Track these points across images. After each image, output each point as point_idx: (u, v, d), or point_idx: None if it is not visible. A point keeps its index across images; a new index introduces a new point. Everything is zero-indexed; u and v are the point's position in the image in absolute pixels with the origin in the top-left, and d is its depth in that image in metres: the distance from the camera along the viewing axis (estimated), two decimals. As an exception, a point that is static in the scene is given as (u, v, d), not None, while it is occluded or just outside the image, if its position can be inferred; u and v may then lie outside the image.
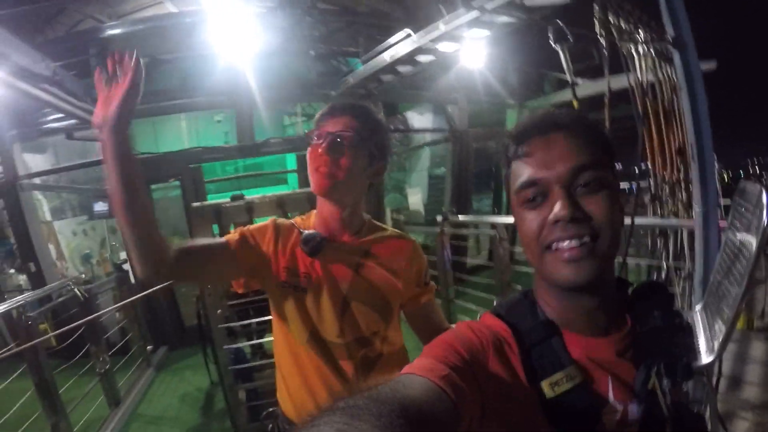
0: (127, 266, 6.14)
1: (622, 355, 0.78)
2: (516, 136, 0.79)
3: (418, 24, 4.67)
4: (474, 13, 3.75)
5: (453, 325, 0.88)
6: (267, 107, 6.16)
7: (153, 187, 6.67)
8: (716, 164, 2.81)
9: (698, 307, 2.30)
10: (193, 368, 5.51)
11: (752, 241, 2.04)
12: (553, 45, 2.80)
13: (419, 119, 9.77)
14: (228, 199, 4.96)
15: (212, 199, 5.21)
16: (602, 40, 2.98)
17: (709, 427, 0.82)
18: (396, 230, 1.58)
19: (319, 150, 1.34)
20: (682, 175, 3.27)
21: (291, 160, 7.89)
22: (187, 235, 6.70)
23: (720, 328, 2.03)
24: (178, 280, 1.38)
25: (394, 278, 1.47)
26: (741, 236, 2.23)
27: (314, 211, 1.51)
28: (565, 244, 0.71)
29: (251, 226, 1.48)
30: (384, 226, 1.59)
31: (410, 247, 1.53)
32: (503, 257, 4.58)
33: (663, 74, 3.03)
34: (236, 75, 5.30)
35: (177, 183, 6.68)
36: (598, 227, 0.71)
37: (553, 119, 0.77)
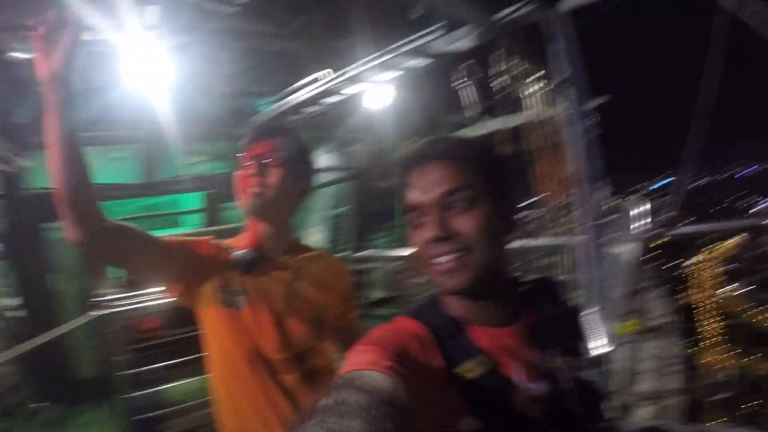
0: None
1: (523, 342, 0.90)
2: (401, 166, 0.93)
3: (324, 66, 4.89)
4: (385, 57, 4.06)
5: None
6: (173, 145, 5.96)
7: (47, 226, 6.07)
8: (609, 188, 3.32)
9: (592, 310, 2.75)
10: (90, 426, 4.99)
11: (629, 251, 2.52)
12: (462, 82, 3.16)
13: (323, 158, 9.91)
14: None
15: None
16: (499, 81, 3.43)
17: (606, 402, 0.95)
18: (323, 250, 1.73)
19: (248, 171, 1.44)
20: (565, 201, 3.82)
21: (188, 201, 7.59)
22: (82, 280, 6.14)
23: (612, 325, 2.46)
24: (111, 255, 1.33)
25: (324, 295, 1.56)
26: (619, 249, 2.73)
27: (244, 233, 1.58)
28: (439, 259, 0.85)
29: (187, 237, 1.52)
30: (311, 246, 1.71)
31: (339, 265, 1.69)
32: (409, 287, 4.81)
33: (552, 113, 3.53)
34: (142, 109, 5.10)
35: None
36: (467, 242, 0.84)
37: (429, 150, 0.90)
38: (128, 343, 3.58)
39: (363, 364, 0.72)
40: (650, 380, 3.57)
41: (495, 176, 0.89)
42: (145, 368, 3.50)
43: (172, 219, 8.12)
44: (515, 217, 0.94)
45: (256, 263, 1.47)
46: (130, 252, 1.33)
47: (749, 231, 2.88)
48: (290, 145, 1.50)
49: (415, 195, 0.88)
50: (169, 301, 3.22)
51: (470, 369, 0.82)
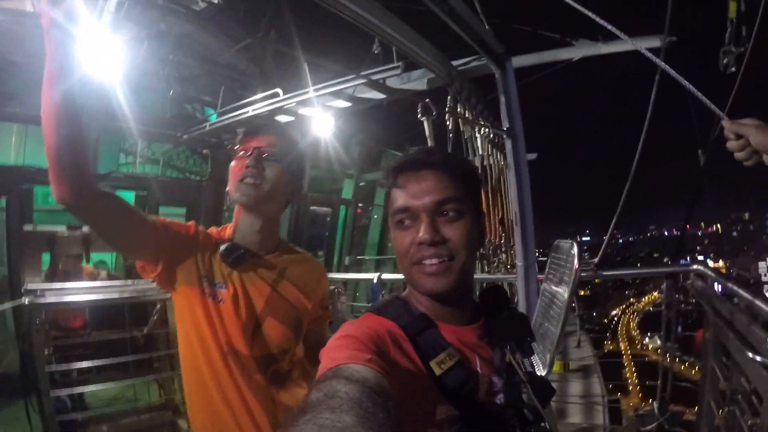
0: None
1: (481, 339, 0.97)
2: (395, 169, 0.96)
3: (270, 86, 4.90)
4: (340, 85, 4.14)
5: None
6: (112, 137, 5.72)
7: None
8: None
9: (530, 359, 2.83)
10: (7, 423, 4.53)
11: (563, 290, 2.63)
12: (420, 117, 3.30)
13: None
14: (64, 228, 4.47)
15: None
16: (449, 124, 3.59)
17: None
18: (307, 253, 1.66)
19: (246, 162, 1.40)
20: (503, 240, 3.98)
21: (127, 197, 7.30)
22: (4, 266, 5.69)
23: (545, 356, 2.54)
24: (96, 220, 1.27)
25: (305, 298, 1.52)
26: (554, 287, 2.84)
27: (229, 225, 1.54)
28: (427, 261, 0.90)
29: (171, 221, 1.43)
30: (297, 248, 1.65)
31: (320, 270, 1.64)
32: (342, 310, 4.82)
33: (494, 159, 3.74)
34: (88, 96, 4.87)
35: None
36: (454, 249, 0.90)
37: (425, 159, 0.95)
38: (52, 339, 3.33)
39: (344, 359, 0.73)
40: (578, 415, 3.71)
41: (476, 193, 0.98)
42: (67, 367, 3.25)
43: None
44: (482, 232, 1.01)
45: (245, 258, 1.43)
46: (114, 220, 1.27)
47: (666, 278, 3.10)
48: (290, 143, 1.49)
49: (407, 198, 0.92)
50: (94, 299, 3.08)
51: (443, 360, 0.86)
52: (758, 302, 1.89)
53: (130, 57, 4.41)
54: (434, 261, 0.89)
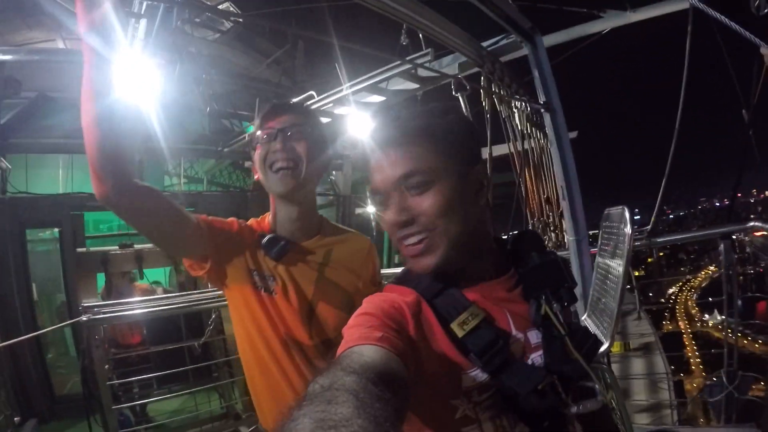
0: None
1: (512, 292, 0.90)
2: (365, 152, 0.91)
3: (300, 94, 4.99)
4: (372, 80, 4.19)
5: None
6: (155, 160, 5.95)
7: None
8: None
9: (584, 317, 2.79)
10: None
11: (617, 261, 2.57)
12: (455, 93, 3.31)
13: None
14: (116, 247, 4.68)
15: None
16: (485, 104, 3.58)
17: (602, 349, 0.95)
18: (351, 229, 1.61)
19: (276, 146, 1.33)
20: (551, 219, 3.93)
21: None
22: (62, 293, 6.03)
23: (605, 331, 2.50)
24: (138, 215, 1.22)
25: (355, 278, 1.48)
26: (608, 260, 2.79)
27: (268, 214, 1.49)
28: (406, 242, 0.85)
29: (214, 218, 1.40)
30: (339, 225, 1.60)
31: (367, 246, 1.56)
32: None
33: (534, 137, 3.71)
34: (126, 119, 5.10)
35: (45, 236, 6.08)
36: (428, 222, 0.82)
37: (387, 135, 0.87)
38: (111, 356, 3.48)
39: (355, 340, 0.72)
40: (643, 392, 3.63)
41: (452, 148, 0.86)
42: (127, 381, 3.40)
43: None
44: (483, 180, 0.90)
45: (287, 250, 1.38)
46: (157, 218, 1.24)
47: (722, 239, 2.97)
48: (308, 116, 1.43)
49: (376, 179, 0.87)
50: (150, 311, 3.20)
51: (465, 321, 0.81)
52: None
53: (165, 80, 4.57)
54: (412, 241, 0.84)
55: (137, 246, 4.70)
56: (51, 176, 7.45)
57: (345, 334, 0.77)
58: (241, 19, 7.74)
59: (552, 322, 0.86)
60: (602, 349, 2.61)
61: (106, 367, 3.13)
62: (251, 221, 1.49)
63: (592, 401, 0.85)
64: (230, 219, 1.45)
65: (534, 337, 0.87)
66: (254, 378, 1.43)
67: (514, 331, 0.85)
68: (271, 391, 1.39)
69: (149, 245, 4.86)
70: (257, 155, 1.37)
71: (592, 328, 2.61)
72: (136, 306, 3.20)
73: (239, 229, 1.42)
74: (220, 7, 7.32)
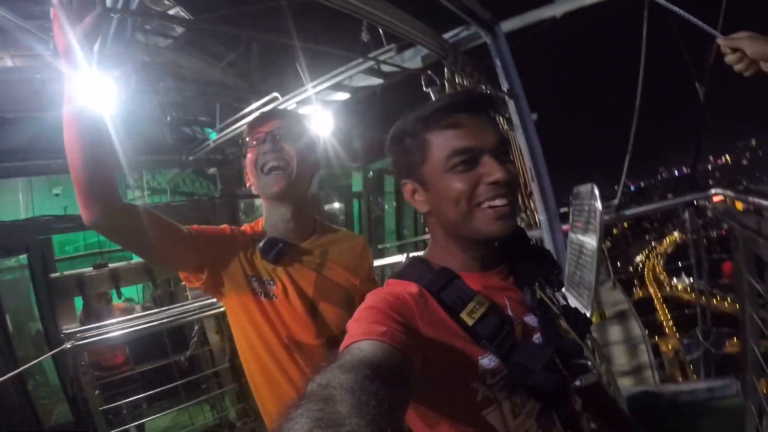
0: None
1: (508, 281, 0.96)
2: (442, 109, 0.88)
3: (262, 95, 4.96)
4: (336, 78, 4.19)
5: None
6: (117, 175, 5.81)
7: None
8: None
9: (563, 291, 2.89)
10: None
11: (590, 236, 2.67)
12: (425, 89, 3.35)
13: None
14: (90, 268, 4.57)
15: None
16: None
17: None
18: (344, 229, 1.64)
19: (266, 148, 1.35)
20: (520, 201, 4.03)
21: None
22: (36, 321, 5.84)
23: (584, 303, 2.60)
24: (128, 236, 1.22)
25: (352, 276, 1.50)
26: (581, 236, 2.89)
27: (261, 219, 1.49)
28: (498, 202, 0.85)
29: (205, 227, 1.39)
30: (332, 225, 1.62)
31: (361, 244, 1.59)
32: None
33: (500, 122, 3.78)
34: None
35: (12, 264, 5.88)
36: (515, 189, 0.88)
37: (483, 100, 0.91)
38: (97, 379, 3.42)
39: (358, 335, 0.73)
40: (623, 357, 3.78)
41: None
42: (119, 404, 3.34)
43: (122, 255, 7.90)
44: None
45: (284, 252, 1.39)
46: (147, 236, 1.22)
47: (687, 206, 3.13)
48: (295, 120, 1.46)
49: (467, 139, 0.86)
50: (135, 329, 3.15)
51: (473, 310, 0.84)
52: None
53: (122, 92, 4.47)
54: (503, 202, 0.85)
55: (111, 265, 4.59)
56: (10, 202, 7.21)
57: (349, 329, 0.79)
58: (191, 20, 7.63)
59: (547, 306, 0.93)
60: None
61: (96, 392, 3.09)
62: (245, 226, 1.49)
63: (589, 375, 0.90)
64: (223, 225, 1.45)
65: (531, 321, 0.92)
66: (258, 385, 1.43)
67: (514, 316, 0.90)
68: (276, 396, 1.39)
69: (123, 263, 4.76)
70: (248, 160, 1.38)
71: (572, 300, 2.72)
72: (117, 327, 3.15)
73: (233, 235, 1.42)
74: (170, 12, 7.19)
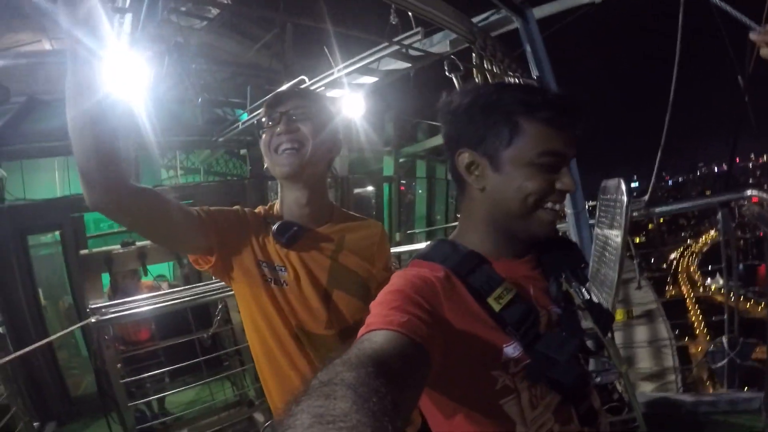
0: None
1: (535, 271, 0.97)
2: (551, 104, 0.87)
3: (291, 79, 4.93)
4: (364, 61, 4.15)
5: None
6: (150, 155, 5.94)
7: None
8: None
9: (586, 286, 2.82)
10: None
11: (616, 232, 2.58)
12: (448, 74, 3.28)
13: None
14: (118, 246, 4.70)
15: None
16: (478, 80, 3.55)
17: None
18: (361, 216, 1.58)
19: (278, 128, 1.32)
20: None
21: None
22: (69, 295, 6.07)
23: (606, 299, 2.52)
24: (132, 218, 1.19)
25: (369, 265, 1.45)
26: (606, 230, 2.80)
27: (276, 202, 1.46)
28: (558, 207, 0.89)
29: (215, 208, 1.35)
30: (351, 213, 1.57)
31: (379, 231, 1.54)
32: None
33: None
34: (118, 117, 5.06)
35: (47, 240, 6.07)
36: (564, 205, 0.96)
37: (579, 109, 0.90)
38: (121, 353, 3.53)
39: (376, 323, 0.73)
40: (647, 360, 3.68)
41: None
42: (141, 378, 3.44)
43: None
44: None
45: (299, 236, 1.35)
46: (153, 218, 1.20)
47: (721, 207, 2.99)
48: (314, 99, 1.41)
49: (562, 144, 0.87)
50: (157, 307, 3.23)
51: (501, 295, 0.84)
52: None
53: (154, 73, 4.52)
54: (560, 207, 0.90)
55: (139, 243, 4.71)
56: (48, 180, 7.45)
57: (372, 310, 0.79)
58: (228, 3, 7.65)
59: (571, 299, 0.94)
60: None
61: (119, 366, 3.18)
62: (258, 209, 1.46)
63: (611, 373, 0.93)
64: (235, 207, 1.41)
65: (555, 312, 0.93)
66: (264, 372, 1.41)
67: (540, 306, 0.91)
68: (281, 385, 1.37)
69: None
70: (263, 141, 1.35)
71: (594, 296, 2.64)
72: (142, 303, 3.23)
73: (245, 218, 1.38)
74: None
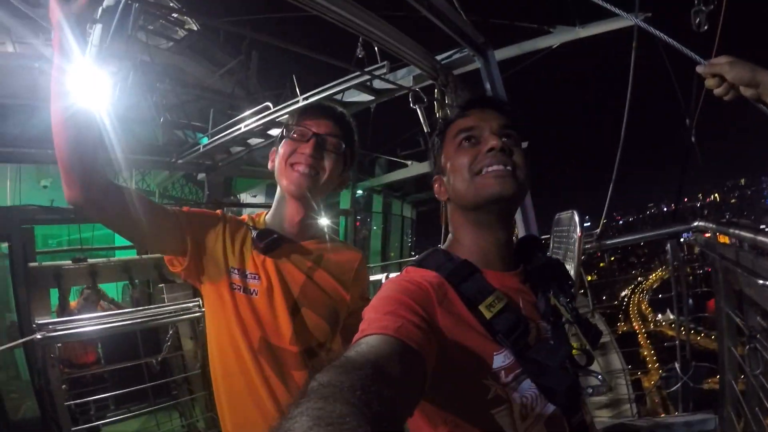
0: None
1: (524, 284, 0.99)
2: (461, 106, 1.04)
3: (254, 105, 4.97)
4: (330, 90, 4.20)
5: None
6: (107, 172, 5.75)
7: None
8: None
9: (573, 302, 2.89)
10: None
11: (570, 263, 2.66)
12: (412, 105, 3.37)
13: (252, 200, 9.78)
14: (69, 261, 4.50)
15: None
16: (439, 115, 3.66)
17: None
18: (344, 242, 1.58)
19: (305, 149, 1.30)
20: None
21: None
22: (12, 312, 5.70)
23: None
24: (109, 216, 1.19)
25: (343, 290, 1.42)
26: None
27: (265, 211, 1.46)
28: (494, 166, 0.92)
29: (197, 209, 1.36)
30: (334, 237, 1.56)
31: (359, 259, 1.51)
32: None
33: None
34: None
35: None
36: (517, 165, 0.94)
37: (489, 98, 1.06)
38: (67, 374, 3.34)
39: (371, 328, 0.73)
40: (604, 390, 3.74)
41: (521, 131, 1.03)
42: (86, 401, 3.24)
43: (104, 254, 7.79)
44: None
45: (279, 244, 1.33)
46: (130, 216, 1.19)
47: (669, 239, 3.14)
48: (347, 132, 1.39)
49: (472, 120, 0.99)
50: (107, 327, 3.07)
51: (492, 303, 0.86)
52: (760, 237, 1.95)
53: (118, 89, 4.45)
54: (501, 166, 0.92)
55: (91, 261, 4.53)
56: (-1, 188, 7.11)
57: (365, 315, 0.79)
58: (197, 27, 7.64)
59: (559, 313, 0.96)
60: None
61: (63, 387, 3.01)
62: (244, 216, 1.46)
63: (601, 386, 0.93)
64: (218, 210, 1.42)
65: (544, 326, 0.95)
66: (220, 392, 1.36)
67: (529, 318, 0.92)
68: (236, 409, 1.33)
69: (103, 260, 4.69)
70: (283, 148, 1.34)
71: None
72: (92, 322, 3.08)
73: (225, 223, 1.37)
74: (175, 15, 7.22)
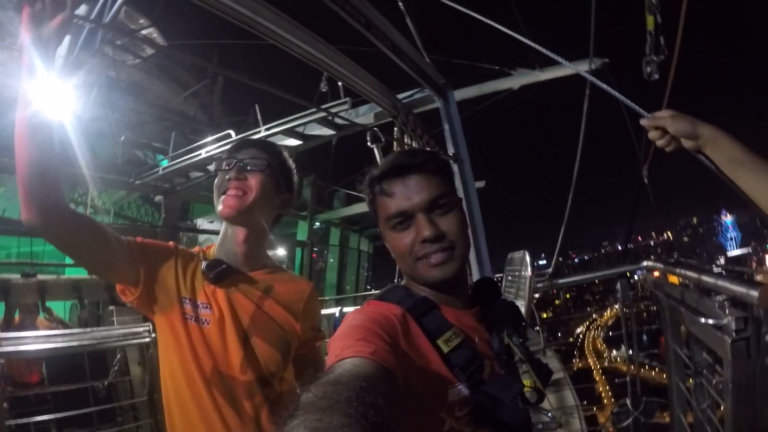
0: None
1: (479, 323, 1.01)
2: (378, 176, 0.99)
3: (220, 130, 4.96)
4: (293, 123, 4.23)
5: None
6: (63, 187, 5.52)
7: None
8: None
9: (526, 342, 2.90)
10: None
11: (520, 304, 2.69)
12: (369, 145, 3.41)
13: (209, 226, 9.67)
14: (18, 276, 4.26)
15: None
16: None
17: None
18: (293, 272, 1.59)
19: (228, 175, 1.35)
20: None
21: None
22: None
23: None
24: (65, 240, 1.20)
25: (293, 319, 1.44)
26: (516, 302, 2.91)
27: (215, 243, 1.48)
28: (433, 256, 0.93)
29: (150, 240, 1.37)
30: (285, 267, 1.58)
31: (308, 289, 1.53)
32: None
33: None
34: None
35: None
36: (454, 240, 0.94)
37: (409, 161, 0.98)
38: (8, 393, 3.11)
39: (345, 353, 0.73)
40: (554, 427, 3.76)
41: (451, 180, 1.03)
42: (23, 421, 3.02)
43: (54, 270, 7.39)
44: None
45: (228, 274, 1.36)
46: (85, 243, 1.21)
47: (619, 278, 3.24)
48: (272, 155, 1.43)
49: (399, 202, 0.95)
50: (53, 347, 2.93)
51: (450, 339, 0.89)
52: (704, 277, 2.04)
53: (80, 103, 4.35)
54: (438, 255, 0.93)
55: (41, 277, 4.32)
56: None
57: (333, 346, 0.78)
58: (164, 45, 7.55)
59: (512, 352, 0.98)
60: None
61: (5, 405, 2.82)
62: (195, 248, 1.48)
63: (551, 422, 0.94)
64: (170, 242, 1.42)
65: (497, 363, 0.97)
66: (171, 412, 1.35)
67: (483, 353, 0.94)
68: (185, 428, 1.32)
69: (53, 276, 4.47)
70: (216, 182, 1.38)
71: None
72: (39, 340, 2.91)
73: (177, 253, 1.38)
74: (144, 32, 7.15)
